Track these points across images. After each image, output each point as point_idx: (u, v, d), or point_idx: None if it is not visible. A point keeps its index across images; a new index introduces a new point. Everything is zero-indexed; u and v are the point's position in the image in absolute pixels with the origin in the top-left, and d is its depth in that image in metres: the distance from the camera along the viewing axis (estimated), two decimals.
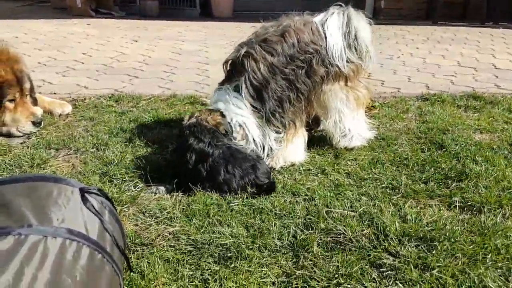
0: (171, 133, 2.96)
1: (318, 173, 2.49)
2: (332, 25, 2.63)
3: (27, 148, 2.71)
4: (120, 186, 2.26)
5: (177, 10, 9.22)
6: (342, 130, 2.74)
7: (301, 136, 2.63)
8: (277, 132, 2.55)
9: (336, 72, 2.63)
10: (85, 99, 3.67)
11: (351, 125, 2.75)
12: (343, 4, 2.73)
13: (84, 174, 2.39)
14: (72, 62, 5.02)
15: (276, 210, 2.07)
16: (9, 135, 2.93)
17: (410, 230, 1.89)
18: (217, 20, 8.70)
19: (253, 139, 2.48)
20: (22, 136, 2.94)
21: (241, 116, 2.47)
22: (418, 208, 2.11)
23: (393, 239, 1.84)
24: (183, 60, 5.27)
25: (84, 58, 5.23)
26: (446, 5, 8.66)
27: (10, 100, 2.92)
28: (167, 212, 2.05)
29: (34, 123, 2.96)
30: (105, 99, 3.64)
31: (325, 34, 2.62)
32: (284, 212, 2.06)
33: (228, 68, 2.60)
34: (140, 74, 4.57)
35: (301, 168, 2.53)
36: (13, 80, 2.90)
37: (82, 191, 1.35)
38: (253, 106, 2.48)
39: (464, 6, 9.05)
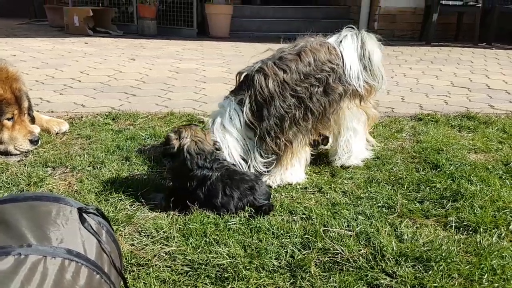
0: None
1: (315, 191, 2.50)
2: (348, 47, 2.69)
3: (24, 166, 2.71)
4: (116, 205, 2.26)
5: (175, 30, 9.34)
6: (349, 148, 2.78)
7: (302, 158, 2.63)
8: (265, 156, 2.54)
9: (353, 90, 2.68)
10: (82, 117, 3.68)
11: (357, 144, 2.79)
12: (354, 27, 2.79)
13: (80, 193, 2.39)
14: (69, 80, 5.05)
15: (273, 229, 2.07)
16: (6, 153, 2.93)
17: (406, 250, 1.90)
18: (214, 40, 8.82)
19: (233, 158, 2.47)
20: (20, 154, 2.94)
21: (227, 134, 2.47)
22: (414, 227, 2.12)
23: (390, 259, 1.85)
24: (181, 79, 5.32)
25: (82, 76, 5.27)
26: (439, 26, 8.81)
27: (8, 119, 2.93)
28: (163, 231, 2.04)
29: (31, 141, 2.96)
30: (102, 117, 3.65)
31: (341, 54, 2.66)
32: (282, 231, 2.06)
33: (240, 79, 2.64)
34: (138, 92, 4.60)
35: (298, 187, 2.54)
36: (12, 98, 2.91)
37: (80, 211, 1.36)
38: (250, 122, 2.49)
39: (457, 26, 9.22)
